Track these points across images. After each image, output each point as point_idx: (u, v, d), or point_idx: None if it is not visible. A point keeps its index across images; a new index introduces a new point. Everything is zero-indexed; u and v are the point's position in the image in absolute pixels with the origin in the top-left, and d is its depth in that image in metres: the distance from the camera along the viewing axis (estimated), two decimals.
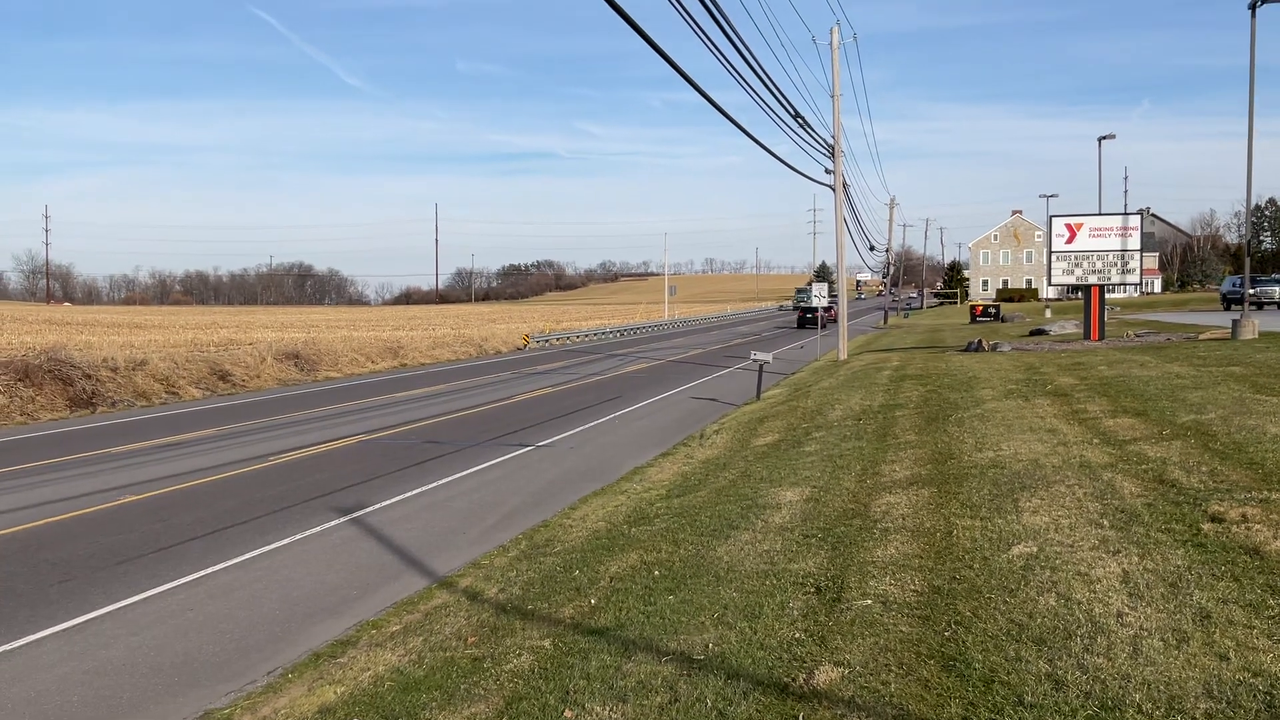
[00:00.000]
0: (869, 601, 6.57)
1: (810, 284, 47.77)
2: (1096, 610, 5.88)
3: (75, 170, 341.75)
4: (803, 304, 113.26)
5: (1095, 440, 11.50)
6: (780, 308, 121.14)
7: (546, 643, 7.04)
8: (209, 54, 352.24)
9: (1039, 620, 5.83)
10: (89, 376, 26.68)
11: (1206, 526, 7.33)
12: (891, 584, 6.88)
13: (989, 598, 6.32)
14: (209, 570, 10.45)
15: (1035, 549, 7.22)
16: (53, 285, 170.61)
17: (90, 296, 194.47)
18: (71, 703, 7.29)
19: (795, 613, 6.64)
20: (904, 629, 6.00)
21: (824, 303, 39.38)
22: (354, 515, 12.80)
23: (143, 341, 38.73)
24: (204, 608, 9.34)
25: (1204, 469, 9.31)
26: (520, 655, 6.88)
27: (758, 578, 7.62)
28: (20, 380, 25.33)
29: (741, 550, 8.57)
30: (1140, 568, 6.55)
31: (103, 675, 7.78)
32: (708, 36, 13.89)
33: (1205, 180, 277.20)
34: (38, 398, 25.02)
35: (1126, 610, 5.83)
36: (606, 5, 9.50)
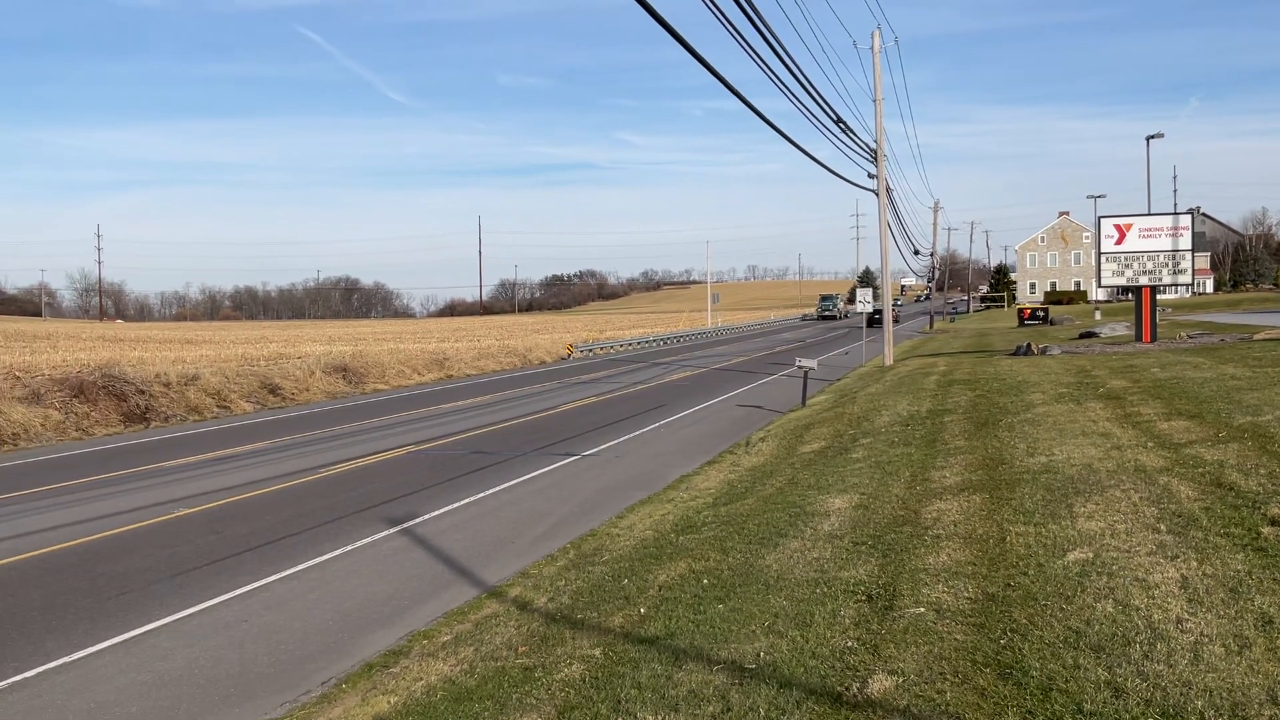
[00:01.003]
0: (922, 609, 6.51)
1: (855, 289, 47.54)
2: (1155, 616, 5.79)
3: (126, 189, 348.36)
4: (826, 312, 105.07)
5: (1149, 444, 11.33)
6: (804, 317, 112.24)
7: (597, 652, 7.05)
8: (254, 73, 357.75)
9: (1096, 627, 5.74)
10: (142, 392, 27.15)
11: (1266, 530, 7.19)
12: (945, 591, 6.81)
13: (1045, 605, 6.24)
14: (263, 582, 10.58)
15: (1091, 555, 7.11)
16: (105, 303, 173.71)
17: (142, 313, 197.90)
18: (130, 714, 7.41)
19: (847, 621, 6.59)
20: (959, 637, 5.94)
21: (869, 308, 39.27)
22: (404, 526, 12.90)
23: (194, 357, 39.34)
24: (259, 619, 9.46)
25: (1262, 471, 9.14)
26: (571, 664, 6.89)
27: (808, 586, 7.58)
28: (75, 396, 25.82)
29: (791, 558, 8.52)
30: (1199, 573, 6.44)
31: (160, 687, 7.90)
32: (749, 45, 13.89)
33: (1257, 178, 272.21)
34: (92, 413, 25.49)
35: (1186, 616, 5.73)
36: (649, 16, 9.53)
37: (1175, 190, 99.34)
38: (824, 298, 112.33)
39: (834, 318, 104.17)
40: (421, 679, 7.45)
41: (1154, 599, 6.07)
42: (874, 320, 63.51)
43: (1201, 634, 5.46)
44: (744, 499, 12.38)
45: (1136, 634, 5.56)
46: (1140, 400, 15.16)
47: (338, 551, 11.73)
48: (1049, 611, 6.11)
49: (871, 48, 33.95)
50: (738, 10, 12.75)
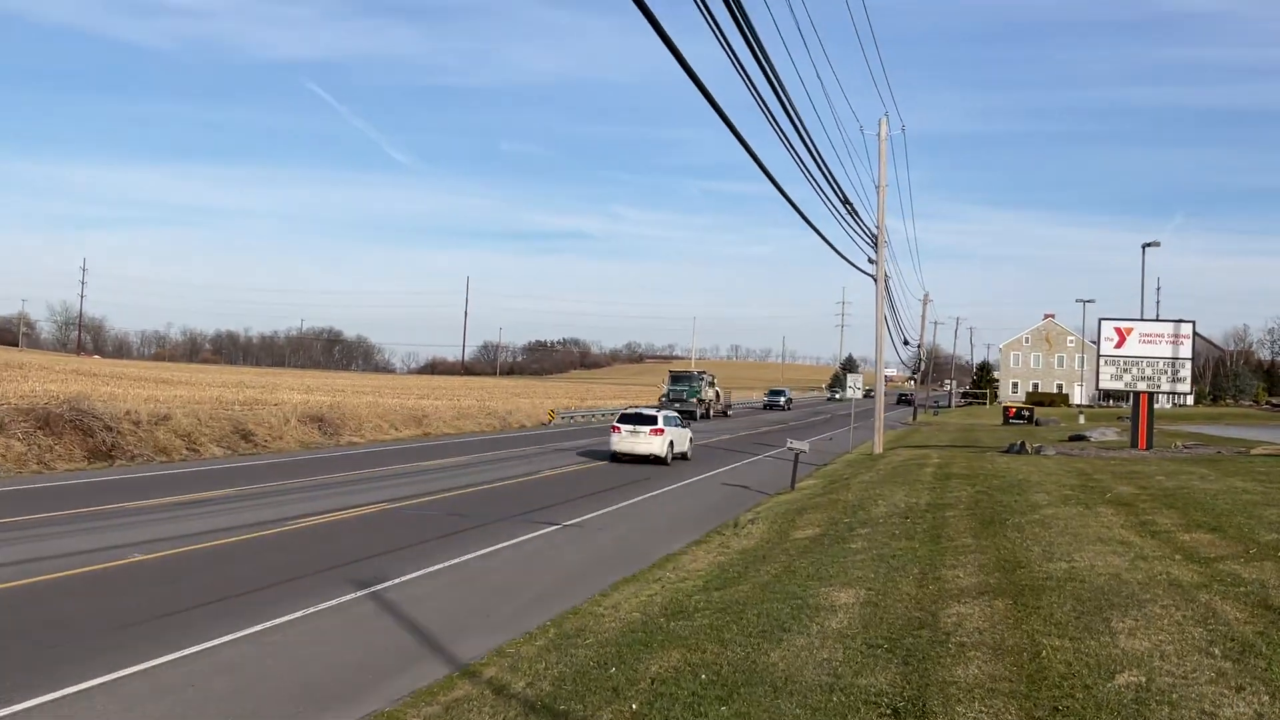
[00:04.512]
0: None
1: (837, 375, 47.13)
2: None
3: (117, 226, 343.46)
4: (677, 401, 59.30)
5: (1177, 556, 10.65)
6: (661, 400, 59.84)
7: None
8: (258, 121, 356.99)
9: None
10: (110, 428, 26.14)
11: None
12: (983, 711, 6.06)
13: None
14: (216, 642, 9.67)
15: (1143, 679, 6.39)
16: (84, 337, 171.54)
17: (120, 350, 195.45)
18: None
19: None
20: None
21: (859, 395, 38.77)
22: (372, 589, 12.03)
23: (168, 396, 38.25)
24: (208, 684, 8.56)
25: None
26: None
27: (821, 692, 6.81)
28: (40, 428, 24.81)
29: (798, 657, 7.76)
30: (1275, 711, 5.71)
31: None
32: (782, 131, 13.74)
33: (1239, 296, 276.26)
34: (56, 447, 24.47)
35: None
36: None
37: (1159, 302, 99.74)
38: (675, 378, 66.20)
39: (691, 415, 54.24)
40: None
41: None
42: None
43: None
44: (738, 584, 11.60)
45: None
46: (1153, 508, 14.52)
47: (299, 613, 10.84)
48: None
49: (878, 134, 33.91)
50: (775, 99, 12.55)
